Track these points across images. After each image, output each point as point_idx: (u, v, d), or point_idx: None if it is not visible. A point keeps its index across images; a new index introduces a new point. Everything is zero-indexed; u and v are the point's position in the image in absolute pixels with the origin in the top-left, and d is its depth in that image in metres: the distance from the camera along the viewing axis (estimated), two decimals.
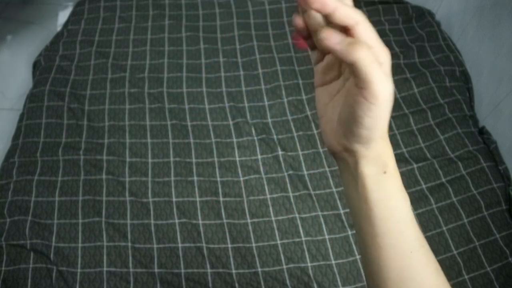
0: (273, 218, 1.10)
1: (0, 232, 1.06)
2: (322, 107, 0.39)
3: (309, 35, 0.37)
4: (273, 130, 1.27)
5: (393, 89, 0.33)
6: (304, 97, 1.36)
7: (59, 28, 1.66)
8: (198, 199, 1.13)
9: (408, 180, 1.16)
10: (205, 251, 1.05)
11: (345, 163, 0.38)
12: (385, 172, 0.36)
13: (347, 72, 0.37)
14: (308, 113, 1.31)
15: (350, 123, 0.35)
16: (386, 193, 0.37)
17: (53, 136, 1.25)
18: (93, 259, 1.03)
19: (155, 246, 1.06)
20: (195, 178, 1.17)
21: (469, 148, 1.20)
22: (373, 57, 0.32)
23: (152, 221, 1.09)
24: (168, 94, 1.36)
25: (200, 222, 1.09)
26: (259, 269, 1.03)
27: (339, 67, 0.38)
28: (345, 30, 0.33)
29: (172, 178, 1.17)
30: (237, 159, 1.21)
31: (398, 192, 0.37)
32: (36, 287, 0.99)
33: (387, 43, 1.48)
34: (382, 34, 1.52)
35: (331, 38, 0.32)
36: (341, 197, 1.14)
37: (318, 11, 0.33)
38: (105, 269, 1.02)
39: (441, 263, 1.12)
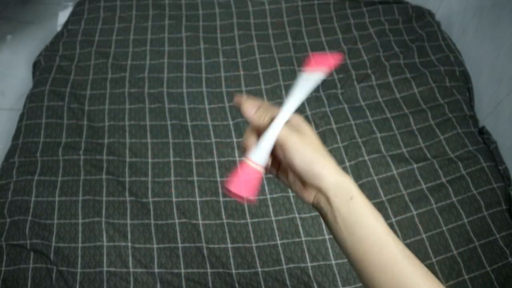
0: (273, 218, 1.10)
1: (0, 232, 1.06)
2: (287, 182, 0.49)
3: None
4: None
5: (287, 134, 0.44)
6: None
7: (59, 28, 1.66)
8: (198, 199, 1.13)
9: (408, 180, 1.16)
10: (205, 251, 1.05)
11: (323, 207, 0.45)
12: (351, 198, 0.43)
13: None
14: (308, 113, 1.31)
15: (294, 170, 0.45)
16: (358, 215, 0.43)
17: (53, 136, 1.25)
18: (93, 259, 1.03)
19: (155, 246, 1.06)
20: (195, 178, 1.17)
21: (469, 148, 1.20)
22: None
23: (152, 221, 1.09)
24: (168, 94, 1.36)
25: (200, 222, 1.09)
26: (259, 269, 1.03)
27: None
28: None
29: (172, 178, 1.17)
30: (237, 159, 1.21)
31: (369, 213, 0.43)
32: (36, 287, 0.99)
33: (387, 43, 1.49)
34: (382, 34, 1.52)
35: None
36: None
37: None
38: (105, 269, 1.02)
39: (441, 263, 1.12)
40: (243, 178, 0.43)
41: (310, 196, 0.45)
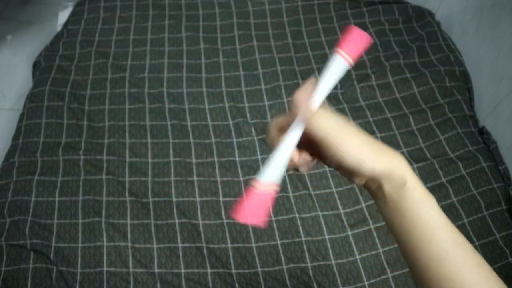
0: (273, 218, 1.10)
1: (0, 232, 1.06)
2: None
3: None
4: None
5: (323, 124, 0.42)
6: None
7: (59, 28, 1.66)
8: (198, 199, 1.13)
9: None
10: (205, 251, 1.05)
11: (376, 194, 0.44)
12: (404, 183, 0.41)
13: None
14: None
15: (341, 167, 0.42)
16: (410, 201, 0.41)
17: (53, 136, 1.25)
18: (93, 259, 1.03)
19: (155, 246, 1.06)
20: (195, 178, 1.17)
21: (469, 148, 1.20)
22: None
23: (152, 221, 1.09)
24: (168, 94, 1.36)
25: (200, 222, 1.09)
26: (259, 269, 1.03)
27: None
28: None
29: (172, 178, 1.17)
30: (237, 159, 1.21)
31: (422, 200, 0.41)
32: (36, 287, 0.99)
33: (387, 43, 1.49)
34: (382, 34, 1.52)
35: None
36: (341, 197, 1.14)
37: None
38: (105, 269, 1.02)
39: None
40: (250, 206, 0.41)
41: (361, 181, 0.44)
